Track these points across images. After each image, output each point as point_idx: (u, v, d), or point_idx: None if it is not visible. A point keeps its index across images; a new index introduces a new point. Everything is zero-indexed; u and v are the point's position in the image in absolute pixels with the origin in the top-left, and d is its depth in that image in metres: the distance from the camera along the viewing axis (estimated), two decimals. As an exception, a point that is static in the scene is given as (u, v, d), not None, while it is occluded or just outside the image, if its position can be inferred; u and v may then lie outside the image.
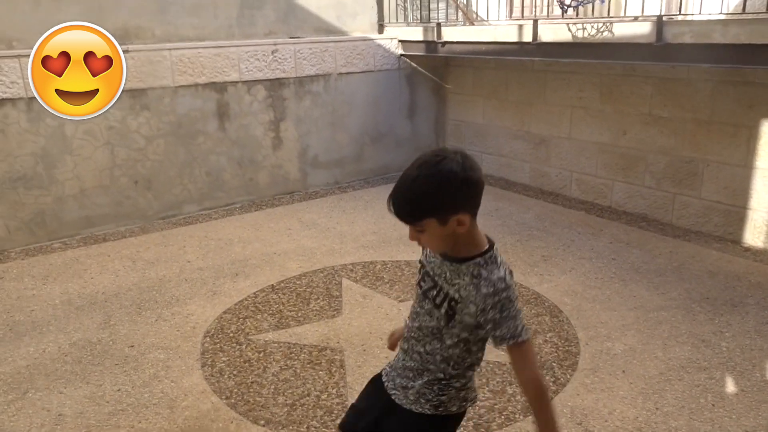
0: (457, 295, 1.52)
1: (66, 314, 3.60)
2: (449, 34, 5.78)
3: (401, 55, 6.34)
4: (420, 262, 1.67)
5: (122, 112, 4.89)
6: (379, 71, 6.25)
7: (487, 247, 1.55)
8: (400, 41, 6.30)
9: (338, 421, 2.58)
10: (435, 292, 1.58)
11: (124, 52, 4.78)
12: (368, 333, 3.34)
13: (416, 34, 6.12)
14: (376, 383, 1.79)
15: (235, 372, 3.00)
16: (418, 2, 6.34)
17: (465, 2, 6.23)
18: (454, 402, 1.65)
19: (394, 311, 3.57)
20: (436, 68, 6.59)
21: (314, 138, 5.97)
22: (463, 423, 2.56)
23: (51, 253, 4.58)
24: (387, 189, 5.51)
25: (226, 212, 5.44)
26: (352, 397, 2.59)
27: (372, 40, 6.15)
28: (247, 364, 3.07)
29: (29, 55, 4.43)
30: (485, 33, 5.50)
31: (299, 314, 3.57)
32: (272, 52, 5.57)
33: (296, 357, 3.12)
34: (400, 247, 4.54)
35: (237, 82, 5.42)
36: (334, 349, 3.19)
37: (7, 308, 3.69)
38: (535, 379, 1.51)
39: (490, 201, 5.59)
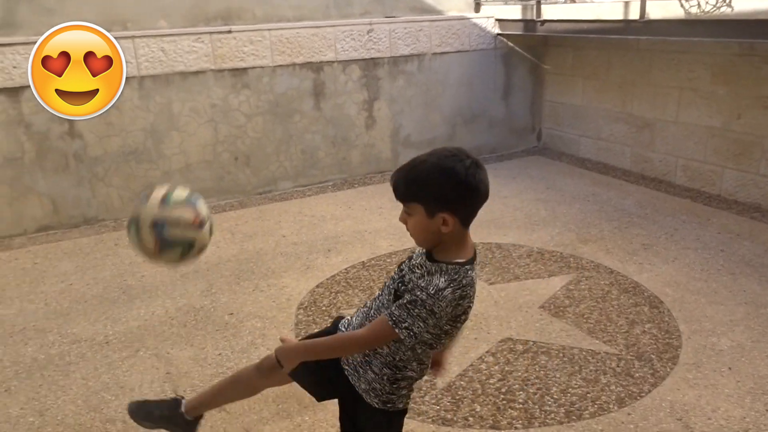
0: (410, 283, 1.56)
1: (172, 281, 3.84)
2: (549, 12, 5.58)
3: (498, 34, 6.19)
4: (399, 266, 1.69)
5: (224, 91, 5.10)
6: (474, 51, 6.14)
7: (463, 261, 1.54)
8: (496, 20, 6.15)
9: (434, 405, 2.61)
10: (397, 280, 1.64)
11: (227, 32, 5.02)
12: (458, 314, 3.33)
13: (514, 12, 5.96)
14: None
15: (327, 344, 3.09)
16: (517, -21, 6.15)
17: (567, -22, 5.98)
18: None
19: (484, 293, 3.53)
20: (533, 48, 6.40)
21: (407, 118, 5.98)
22: (553, 409, 2.52)
23: (159, 223, 4.88)
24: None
25: (319, 189, 5.57)
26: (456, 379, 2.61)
27: (468, 19, 6.05)
28: (338, 337, 3.15)
29: (143, 36, 4.73)
30: (588, 11, 5.27)
31: (389, 292, 3.61)
32: (367, 32, 5.60)
33: (386, 333, 3.17)
34: (491, 229, 4.48)
35: (333, 61, 5.50)
36: (423, 328, 3.21)
37: (121, 273, 3.98)
38: (358, 337, 1.61)
39: (587, 185, 5.39)
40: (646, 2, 4.61)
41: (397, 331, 1.51)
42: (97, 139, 4.74)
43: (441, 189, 1.48)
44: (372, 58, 5.67)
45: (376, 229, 4.57)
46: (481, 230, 4.45)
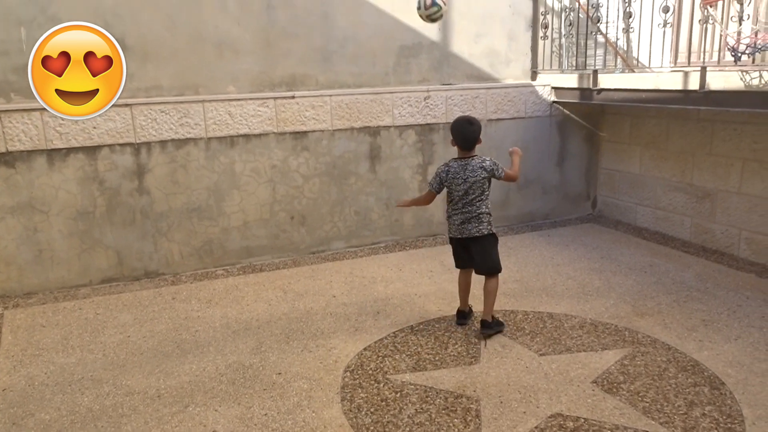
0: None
1: (224, 337, 3.93)
2: (606, 81, 5.60)
3: (553, 102, 6.25)
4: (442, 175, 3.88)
5: (285, 153, 5.32)
6: (529, 118, 6.21)
7: (453, 158, 3.86)
8: (553, 88, 6.22)
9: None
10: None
11: (290, 98, 5.27)
12: (506, 384, 3.26)
13: (571, 81, 6.01)
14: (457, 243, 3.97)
15: (372, 410, 3.07)
16: (574, 49, 6.23)
17: (625, 49, 6.02)
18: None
19: (534, 364, 3.45)
20: (590, 115, 6.41)
21: (460, 182, 6.03)
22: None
23: (215, 279, 5.04)
24: (532, 237, 5.47)
25: (371, 251, 5.64)
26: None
27: (524, 86, 6.15)
28: (383, 403, 3.13)
29: (213, 101, 5.02)
30: (646, 80, 5.26)
31: (436, 358, 3.58)
32: (425, 99, 5.76)
33: (432, 401, 3.13)
34: (543, 297, 4.41)
35: (390, 126, 5.66)
36: (470, 398, 3.15)
37: (177, 326, 4.10)
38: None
39: (644, 256, 5.25)
40: (706, 73, 4.59)
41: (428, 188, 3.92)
42: (164, 195, 5.00)
43: (451, 130, 3.79)
44: (428, 124, 5.81)
45: (425, 293, 4.57)
46: (533, 298, 4.38)
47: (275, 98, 5.23)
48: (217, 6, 4.96)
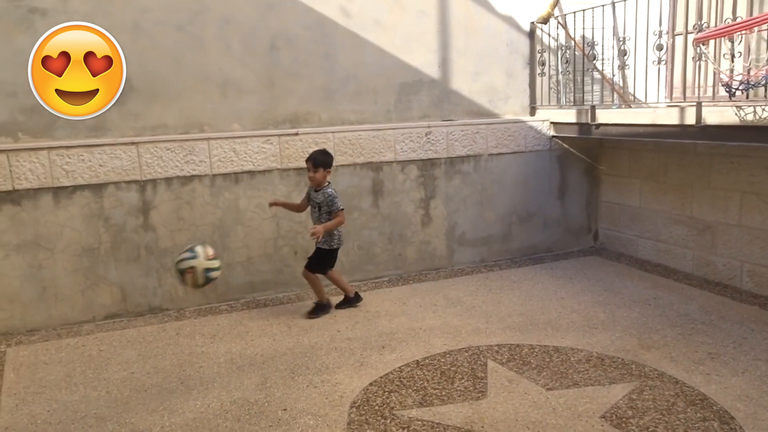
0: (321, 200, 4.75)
1: (229, 372, 3.91)
2: (604, 116, 5.70)
3: (553, 136, 6.34)
4: (308, 194, 4.90)
5: (288, 188, 5.37)
6: (529, 152, 6.29)
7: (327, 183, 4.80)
8: (551, 123, 6.32)
9: None
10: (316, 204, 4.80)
11: (294, 135, 5.35)
12: (514, 420, 3.24)
13: (569, 116, 6.12)
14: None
15: (379, 446, 3.04)
16: (572, 85, 6.36)
17: (621, 84, 6.14)
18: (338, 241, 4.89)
19: (542, 399, 3.43)
20: (589, 149, 6.50)
21: (462, 216, 6.08)
22: None
23: (219, 314, 5.03)
24: (535, 270, 5.47)
25: (374, 285, 5.65)
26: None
27: (523, 122, 6.25)
28: (391, 439, 3.10)
29: (218, 138, 5.09)
30: (643, 115, 5.35)
31: (443, 393, 3.56)
32: (426, 134, 5.85)
33: (439, 437, 3.10)
34: (548, 331, 4.40)
35: (392, 161, 5.73)
36: (478, 434, 3.13)
37: (181, 362, 4.08)
38: (339, 221, 4.77)
39: (648, 288, 5.26)
40: (702, 108, 4.68)
41: (338, 209, 4.77)
42: (169, 232, 5.03)
43: (327, 159, 4.81)
44: (429, 159, 5.89)
45: (430, 327, 4.56)
46: (538, 332, 4.38)
47: (279, 135, 5.30)
48: (222, 48, 5.07)
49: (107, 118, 4.79)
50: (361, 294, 5.21)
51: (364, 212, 5.68)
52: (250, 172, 5.24)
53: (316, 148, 5.19)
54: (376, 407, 3.42)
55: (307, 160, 4.80)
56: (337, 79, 5.49)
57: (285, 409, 3.43)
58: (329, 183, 4.84)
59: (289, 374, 3.87)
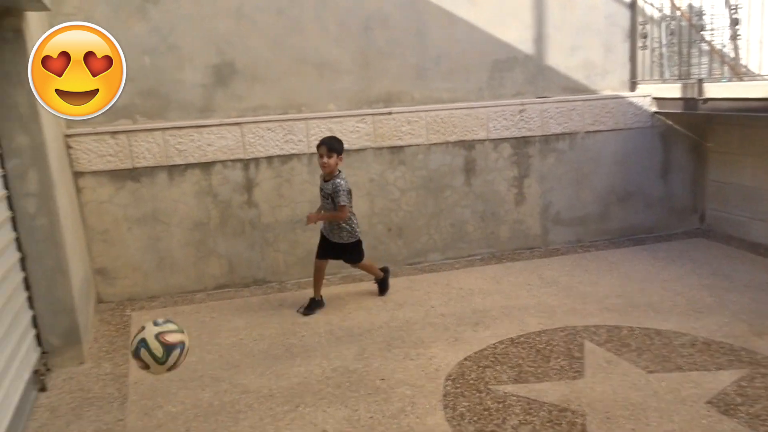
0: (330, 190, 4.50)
1: (328, 342, 4.09)
2: (712, 90, 5.38)
3: (655, 112, 6.07)
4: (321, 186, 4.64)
5: (382, 167, 5.48)
6: (629, 129, 6.05)
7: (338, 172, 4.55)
8: (654, 98, 6.05)
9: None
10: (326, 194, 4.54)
11: (387, 114, 5.43)
12: (612, 401, 3.20)
13: (673, 91, 5.82)
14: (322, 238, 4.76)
15: (475, 418, 3.11)
16: (676, 58, 6.02)
17: (732, 56, 5.75)
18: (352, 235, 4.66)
19: (642, 381, 3.37)
20: (695, 126, 6.17)
21: (557, 195, 5.97)
22: None
23: (317, 287, 5.25)
24: (634, 251, 5.30)
25: (467, 263, 5.68)
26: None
27: (623, 98, 6.01)
28: (486, 412, 3.16)
29: (315, 118, 5.27)
30: (757, 89, 5.01)
31: (539, 371, 3.56)
32: (519, 112, 5.76)
33: (536, 414, 3.12)
34: (649, 313, 4.27)
35: (484, 140, 5.70)
36: (575, 412, 3.12)
37: (284, 331, 4.32)
38: (338, 216, 4.49)
39: (762, 273, 4.97)
40: (826, 79, 4.33)
41: (342, 203, 4.46)
42: (270, 208, 5.28)
43: (340, 146, 4.56)
44: (523, 137, 5.81)
45: (524, 306, 4.55)
46: (638, 314, 4.26)
47: (373, 114, 5.41)
48: (318, 30, 5.22)
49: (214, 101, 5.08)
50: (454, 272, 5.23)
51: (456, 190, 5.70)
52: (346, 151, 5.34)
53: (409, 127, 5.24)
54: (471, 381, 3.48)
55: (319, 146, 4.51)
56: (429, 58, 5.50)
57: (383, 379, 3.56)
58: (340, 172, 4.57)
59: (385, 346, 4.00)
